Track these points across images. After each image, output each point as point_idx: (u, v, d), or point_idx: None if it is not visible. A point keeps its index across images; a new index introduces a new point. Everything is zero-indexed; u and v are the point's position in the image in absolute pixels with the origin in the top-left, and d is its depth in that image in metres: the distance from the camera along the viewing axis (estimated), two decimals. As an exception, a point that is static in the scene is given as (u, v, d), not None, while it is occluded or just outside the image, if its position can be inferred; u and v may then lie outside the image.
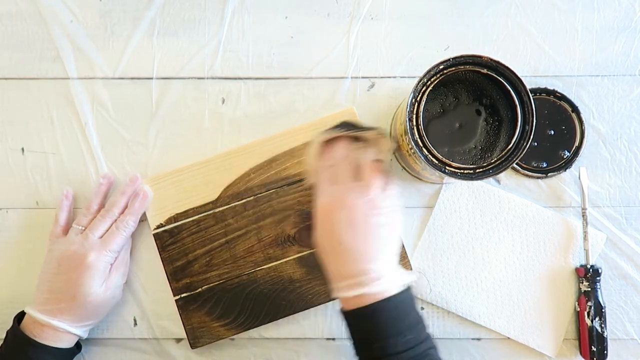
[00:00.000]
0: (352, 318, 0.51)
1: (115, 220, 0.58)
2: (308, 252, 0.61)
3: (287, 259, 0.61)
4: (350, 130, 0.55)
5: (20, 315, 0.57)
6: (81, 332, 0.57)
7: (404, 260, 0.61)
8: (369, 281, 0.49)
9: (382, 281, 0.49)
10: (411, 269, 0.61)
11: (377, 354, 0.49)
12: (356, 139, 0.56)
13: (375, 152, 0.54)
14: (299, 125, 0.61)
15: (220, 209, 0.61)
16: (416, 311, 0.52)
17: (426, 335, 0.51)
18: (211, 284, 0.61)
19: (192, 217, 0.61)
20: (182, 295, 0.61)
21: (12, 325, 0.56)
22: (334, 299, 0.61)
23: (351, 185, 0.52)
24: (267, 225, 0.61)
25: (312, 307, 0.61)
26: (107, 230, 0.58)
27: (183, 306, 0.61)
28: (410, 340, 0.49)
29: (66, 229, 0.59)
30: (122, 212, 0.59)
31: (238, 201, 0.61)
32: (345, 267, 0.51)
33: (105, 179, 0.61)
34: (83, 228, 0.58)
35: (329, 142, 0.56)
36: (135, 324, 0.62)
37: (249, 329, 0.61)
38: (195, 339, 0.60)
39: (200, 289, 0.61)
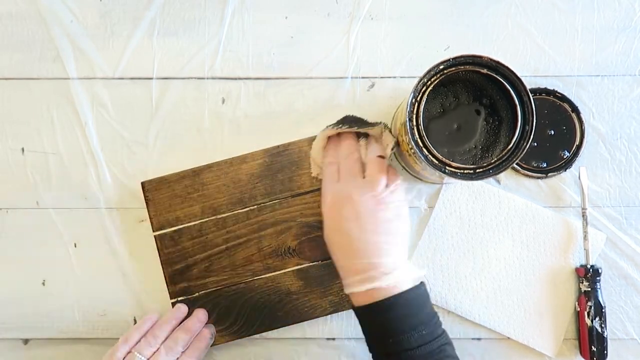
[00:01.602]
0: (364, 314, 0.51)
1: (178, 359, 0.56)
2: (307, 265, 0.61)
3: (286, 270, 0.61)
4: (353, 126, 0.57)
5: None
6: None
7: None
8: (380, 275, 0.50)
9: (393, 275, 0.50)
10: None
11: (391, 349, 0.49)
12: (360, 134, 0.58)
13: (379, 148, 0.56)
14: (306, 137, 0.61)
15: (223, 215, 0.61)
16: (430, 306, 0.52)
17: (441, 330, 0.51)
18: (208, 290, 0.61)
19: (194, 221, 0.61)
20: (179, 298, 0.61)
21: None
22: (330, 313, 0.61)
23: (356, 182, 0.53)
24: (269, 235, 0.61)
25: (308, 320, 0.61)
26: None
27: None
28: (425, 336, 0.49)
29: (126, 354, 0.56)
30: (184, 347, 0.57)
31: (241, 209, 0.61)
32: (355, 261, 0.51)
33: (151, 320, 0.58)
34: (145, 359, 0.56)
35: (333, 137, 0.58)
36: (135, 324, 0.62)
37: (242, 337, 0.61)
38: None
39: (197, 294, 0.61)
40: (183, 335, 0.57)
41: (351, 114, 0.60)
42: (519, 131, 0.51)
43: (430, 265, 0.62)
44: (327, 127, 0.58)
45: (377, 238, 0.51)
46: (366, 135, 0.58)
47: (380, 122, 0.58)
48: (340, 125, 0.57)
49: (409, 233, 0.55)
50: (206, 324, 0.60)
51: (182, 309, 0.60)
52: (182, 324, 0.58)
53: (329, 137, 0.58)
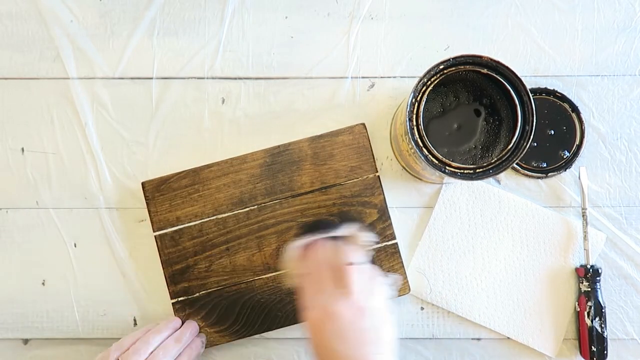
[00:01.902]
0: None
1: None
2: None
3: (287, 270, 0.61)
4: (324, 232, 0.54)
5: None
6: None
7: (401, 274, 0.61)
8: None
9: None
10: (409, 289, 0.61)
11: None
12: (333, 237, 0.55)
13: (353, 253, 0.53)
14: (307, 137, 0.61)
15: (223, 215, 0.61)
16: None
17: None
18: (209, 290, 0.61)
19: (194, 221, 0.61)
20: (179, 299, 0.61)
21: None
22: None
23: (334, 292, 0.51)
24: (269, 235, 0.61)
25: None
26: None
27: (179, 310, 0.61)
28: None
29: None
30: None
31: (242, 209, 0.61)
32: None
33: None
34: None
35: (306, 245, 0.56)
36: (135, 324, 0.62)
37: (242, 337, 0.61)
38: None
39: (197, 294, 0.61)
40: (174, 344, 0.56)
41: (322, 218, 0.60)
42: (519, 131, 0.51)
43: (430, 265, 0.62)
44: (298, 237, 0.55)
45: (363, 350, 0.50)
46: (340, 237, 0.55)
47: (353, 223, 0.55)
48: (312, 234, 0.54)
49: (396, 338, 0.53)
50: (204, 326, 0.60)
51: (176, 321, 0.59)
52: (173, 334, 0.58)
53: (302, 246, 0.56)
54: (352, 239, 0.55)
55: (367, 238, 0.55)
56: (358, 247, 0.55)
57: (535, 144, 0.62)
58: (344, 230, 0.55)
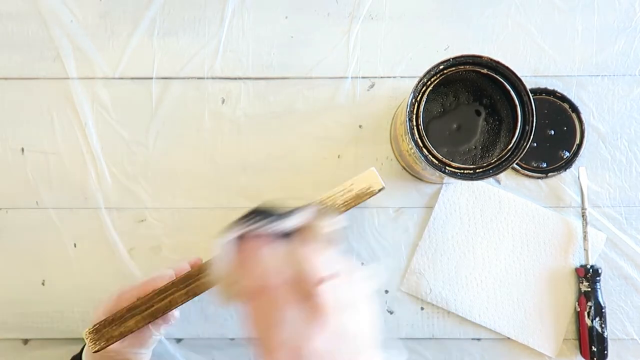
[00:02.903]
0: None
1: None
2: None
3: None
4: (267, 223, 0.36)
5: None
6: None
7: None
8: None
9: None
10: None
11: None
12: (283, 235, 0.38)
13: (321, 259, 0.37)
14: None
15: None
16: None
17: None
18: None
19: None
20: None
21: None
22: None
23: (301, 320, 0.36)
24: None
25: None
26: None
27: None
28: None
29: None
30: None
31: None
32: None
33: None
34: None
35: (242, 243, 0.38)
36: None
37: None
38: None
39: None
40: None
41: (261, 206, 0.39)
42: (519, 131, 0.51)
43: (431, 265, 0.62)
44: (227, 226, 0.38)
45: None
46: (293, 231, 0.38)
47: (302, 205, 0.38)
48: (248, 222, 0.36)
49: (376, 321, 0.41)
50: None
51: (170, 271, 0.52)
52: None
53: (236, 243, 0.38)
54: (310, 230, 0.38)
55: (332, 222, 0.38)
56: (323, 242, 0.38)
57: (535, 144, 0.62)
58: (296, 219, 0.37)
